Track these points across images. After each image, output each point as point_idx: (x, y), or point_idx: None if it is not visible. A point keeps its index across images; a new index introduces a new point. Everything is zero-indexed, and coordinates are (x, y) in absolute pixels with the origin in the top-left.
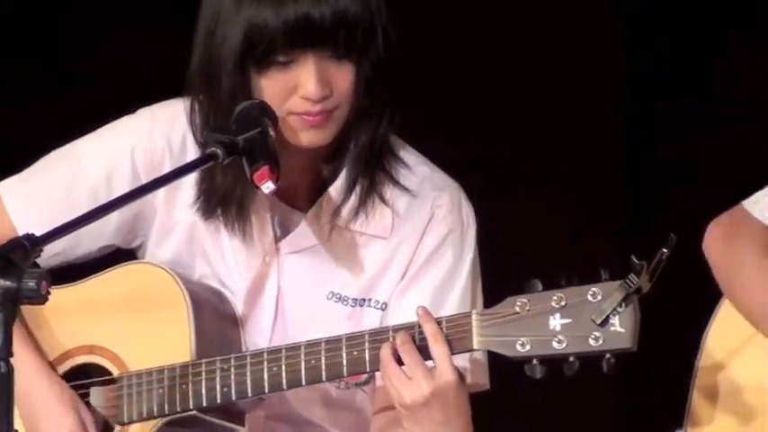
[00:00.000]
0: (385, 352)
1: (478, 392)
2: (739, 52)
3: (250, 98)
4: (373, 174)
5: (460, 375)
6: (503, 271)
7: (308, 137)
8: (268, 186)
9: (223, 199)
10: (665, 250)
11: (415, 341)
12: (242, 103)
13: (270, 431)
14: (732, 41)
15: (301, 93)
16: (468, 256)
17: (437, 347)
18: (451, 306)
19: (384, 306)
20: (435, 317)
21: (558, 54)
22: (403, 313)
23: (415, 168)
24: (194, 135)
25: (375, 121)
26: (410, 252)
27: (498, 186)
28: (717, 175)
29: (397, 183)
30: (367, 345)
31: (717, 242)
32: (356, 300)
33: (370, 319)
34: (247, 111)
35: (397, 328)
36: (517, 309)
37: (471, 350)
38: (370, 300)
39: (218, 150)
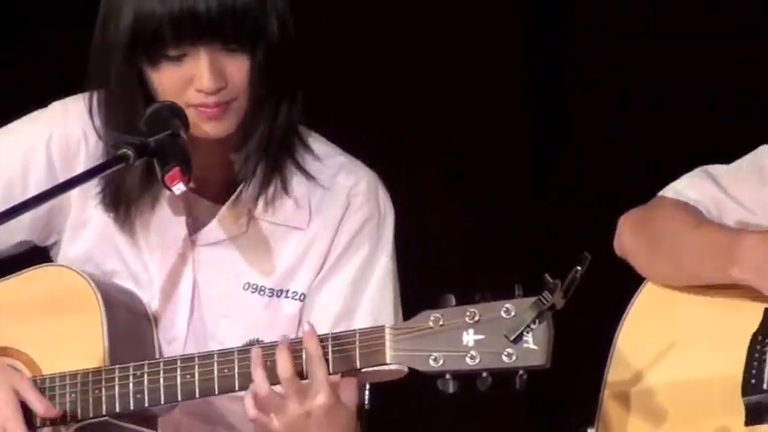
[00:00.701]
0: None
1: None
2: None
3: (144, 91)
4: (281, 164)
5: (338, 396)
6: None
7: (208, 128)
8: (179, 188)
9: (133, 197)
10: (578, 268)
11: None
12: (153, 104)
13: (185, 428)
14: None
15: (196, 85)
16: (387, 244)
17: (313, 368)
18: (367, 298)
19: (302, 297)
20: (350, 329)
21: (462, 50)
22: (321, 306)
23: (330, 158)
24: (94, 128)
25: (273, 111)
26: (327, 242)
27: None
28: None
29: (307, 173)
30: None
31: (631, 232)
32: (273, 290)
33: (287, 310)
34: (158, 112)
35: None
36: (431, 324)
37: (384, 364)
38: (287, 291)
39: (129, 152)
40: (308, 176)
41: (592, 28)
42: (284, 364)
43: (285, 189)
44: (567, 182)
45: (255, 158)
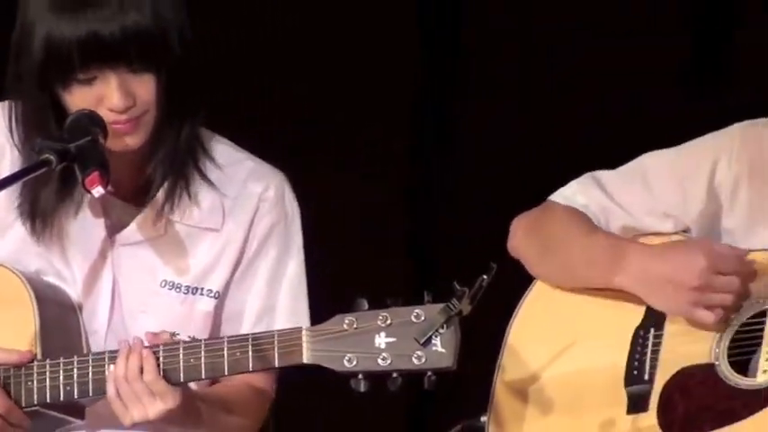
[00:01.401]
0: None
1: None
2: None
3: (57, 109)
4: (186, 172)
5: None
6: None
7: (122, 143)
8: (98, 191)
9: (49, 209)
10: (485, 277)
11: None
12: (74, 112)
13: (108, 418)
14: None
15: (107, 105)
16: (295, 244)
17: (148, 377)
18: (284, 295)
19: (217, 295)
20: (268, 329)
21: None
22: (242, 305)
23: (240, 164)
24: (13, 136)
25: (178, 123)
26: (240, 243)
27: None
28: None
29: (209, 180)
30: (203, 352)
31: (524, 235)
32: (189, 287)
33: (202, 307)
34: (78, 120)
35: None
36: (345, 326)
37: (301, 364)
38: (202, 288)
39: (52, 157)
40: (210, 183)
41: (482, 32)
42: (124, 367)
43: (196, 193)
44: (464, 186)
45: (164, 167)
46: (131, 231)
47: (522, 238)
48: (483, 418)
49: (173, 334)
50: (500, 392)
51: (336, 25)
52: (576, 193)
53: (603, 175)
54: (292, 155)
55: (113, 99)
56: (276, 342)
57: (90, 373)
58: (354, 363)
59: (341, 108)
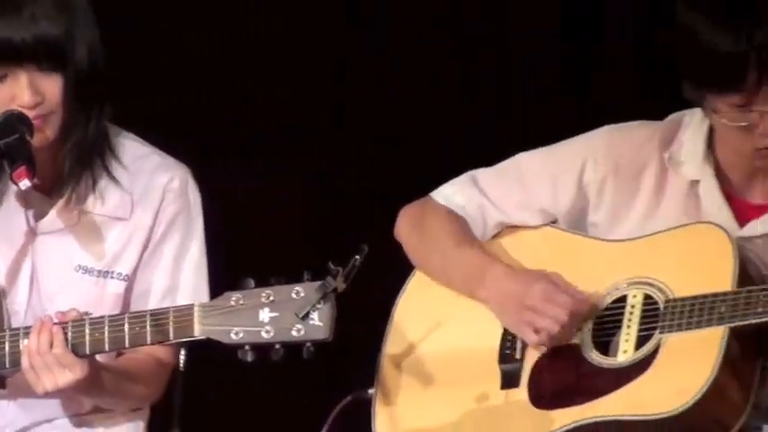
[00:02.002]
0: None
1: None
2: None
3: None
4: (94, 166)
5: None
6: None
7: (31, 138)
8: (25, 184)
9: None
10: (357, 257)
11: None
12: (3, 113)
13: (24, 388)
14: None
15: (17, 102)
16: (197, 230)
17: (57, 350)
18: (186, 275)
19: (126, 277)
20: (164, 306)
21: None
22: (148, 284)
23: (147, 158)
24: None
25: (84, 121)
26: (147, 231)
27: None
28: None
29: (112, 175)
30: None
31: (406, 225)
32: (101, 271)
33: (113, 289)
34: (7, 119)
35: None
36: (232, 303)
37: (193, 337)
38: (113, 272)
39: None
40: (113, 179)
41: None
42: (36, 342)
43: (105, 185)
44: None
45: (72, 160)
46: (49, 221)
47: (405, 228)
48: (371, 391)
49: (86, 313)
50: (386, 367)
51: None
52: (455, 192)
53: (481, 173)
54: (200, 145)
55: (23, 96)
56: (171, 317)
57: (7, 347)
58: (241, 336)
59: (249, 102)
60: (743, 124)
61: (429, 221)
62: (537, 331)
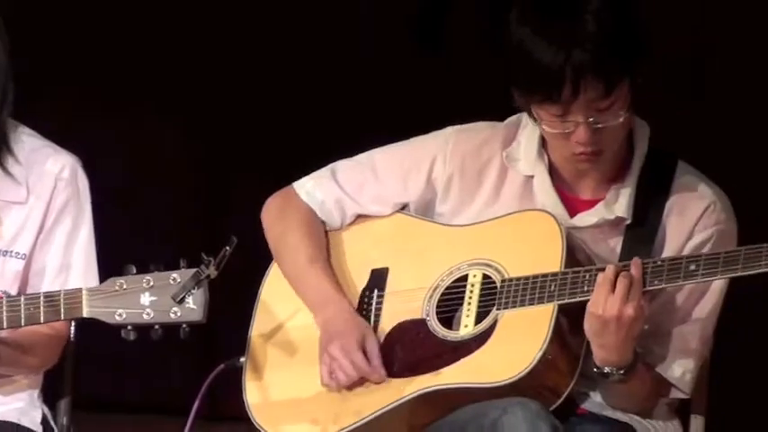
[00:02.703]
0: None
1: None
2: None
3: None
4: None
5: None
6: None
7: None
8: None
9: None
10: (227, 248)
11: None
12: None
13: None
14: None
15: None
16: (86, 215)
17: None
18: (77, 255)
19: (24, 256)
20: (65, 283)
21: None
22: (40, 264)
23: (41, 149)
24: None
25: None
26: (42, 215)
27: None
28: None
29: (4, 169)
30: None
31: (270, 214)
32: (1, 251)
33: (12, 267)
34: None
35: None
36: (117, 287)
37: (81, 317)
38: (12, 251)
39: None
40: (14, 163)
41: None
42: None
43: (5, 173)
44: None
45: None
46: None
47: (269, 218)
48: (242, 359)
49: None
50: (254, 339)
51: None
52: (315, 187)
53: (340, 168)
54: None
55: None
56: (62, 299)
57: None
58: (124, 317)
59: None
60: (561, 132)
61: (289, 218)
62: (330, 373)
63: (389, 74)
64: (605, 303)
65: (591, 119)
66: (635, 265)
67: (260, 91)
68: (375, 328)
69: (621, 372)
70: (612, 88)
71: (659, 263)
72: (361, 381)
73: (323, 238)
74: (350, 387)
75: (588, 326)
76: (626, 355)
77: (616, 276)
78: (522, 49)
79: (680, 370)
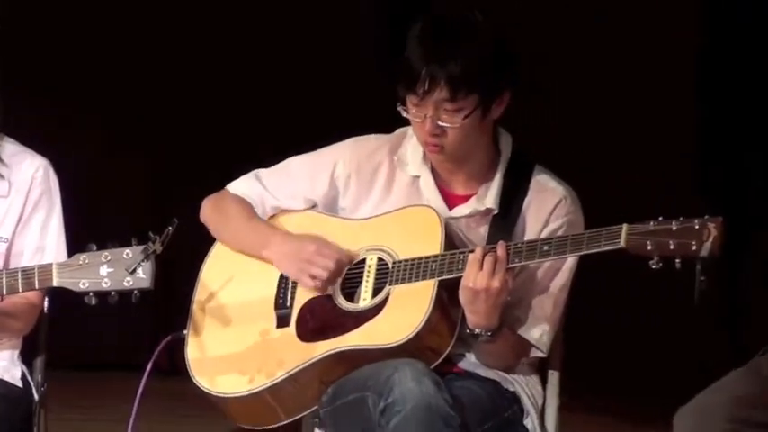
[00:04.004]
0: None
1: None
2: None
3: None
4: None
5: None
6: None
7: None
8: None
9: None
10: (170, 228)
11: None
12: None
13: None
14: None
15: None
16: (56, 207)
17: None
18: (50, 239)
19: (7, 240)
20: (41, 261)
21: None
22: (19, 246)
23: (20, 153)
24: None
25: None
26: (20, 207)
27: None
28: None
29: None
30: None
31: (208, 208)
32: None
33: None
34: None
35: None
36: (80, 262)
37: (52, 286)
38: None
39: None
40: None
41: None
42: None
43: None
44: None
45: None
46: None
47: (207, 212)
48: (185, 331)
49: None
50: (196, 311)
51: None
52: (242, 185)
53: (262, 171)
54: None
55: None
56: (36, 272)
57: None
58: (87, 285)
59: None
60: (415, 119)
61: (225, 204)
62: (312, 277)
63: (335, 87)
64: (475, 278)
65: (435, 115)
66: (500, 247)
67: (205, 112)
68: (291, 305)
69: (489, 334)
70: (455, 97)
71: (519, 245)
72: (280, 343)
73: (255, 210)
74: (272, 349)
75: (462, 296)
76: (493, 320)
77: (484, 256)
78: (408, 56)
79: (538, 332)
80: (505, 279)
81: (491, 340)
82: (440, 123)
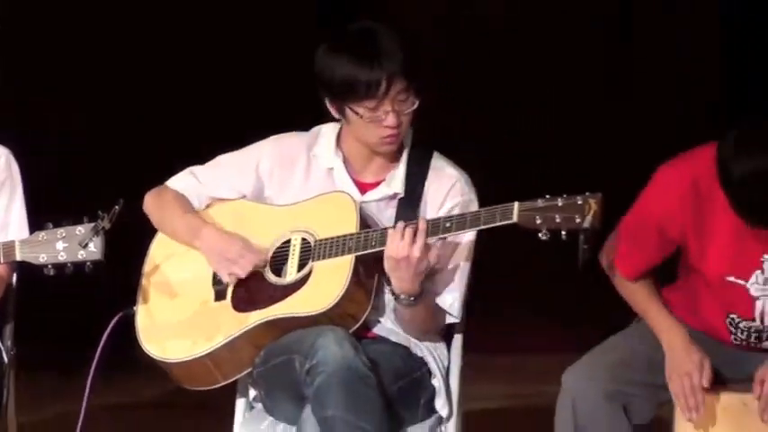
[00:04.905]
0: None
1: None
2: None
3: None
4: None
5: None
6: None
7: None
8: None
9: None
10: (117, 207)
11: None
12: None
13: None
14: None
15: None
16: (18, 191)
17: None
18: (14, 218)
19: None
20: (7, 237)
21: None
22: None
23: None
24: None
25: None
26: None
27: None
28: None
29: None
30: None
31: (150, 201)
32: None
33: None
34: None
35: None
36: (40, 238)
37: (16, 260)
38: None
39: None
40: None
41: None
42: None
43: None
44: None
45: None
46: None
47: (149, 205)
48: (135, 307)
49: None
50: (144, 288)
51: None
52: (179, 180)
53: (196, 167)
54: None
55: None
56: (1, 248)
57: None
58: (45, 259)
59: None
60: (374, 121)
61: (165, 198)
62: (230, 274)
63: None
64: (397, 248)
65: (397, 108)
66: (421, 220)
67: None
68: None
69: (412, 299)
70: (411, 82)
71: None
72: (218, 314)
73: (191, 204)
74: (211, 319)
75: (387, 265)
76: (414, 285)
77: (404, 229)
78: (335, 70)
79: (450, 299)
80: (424, 248)
81: (412, 304)
82: (403, 112)
